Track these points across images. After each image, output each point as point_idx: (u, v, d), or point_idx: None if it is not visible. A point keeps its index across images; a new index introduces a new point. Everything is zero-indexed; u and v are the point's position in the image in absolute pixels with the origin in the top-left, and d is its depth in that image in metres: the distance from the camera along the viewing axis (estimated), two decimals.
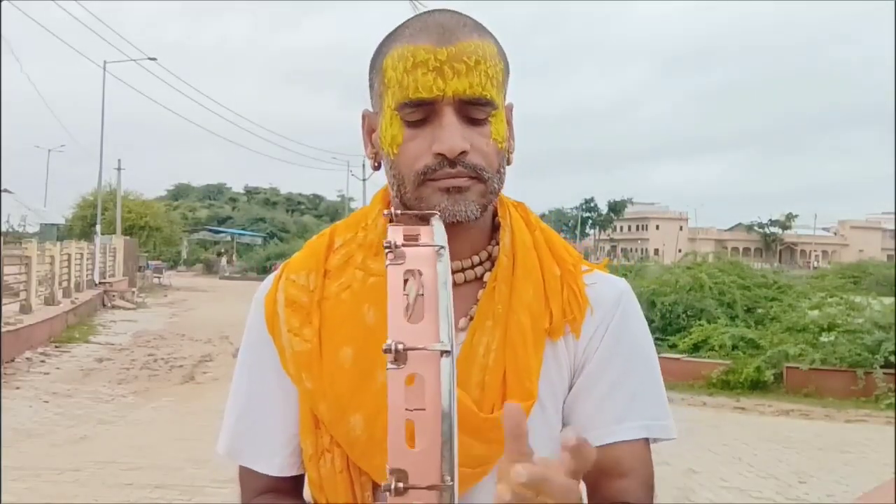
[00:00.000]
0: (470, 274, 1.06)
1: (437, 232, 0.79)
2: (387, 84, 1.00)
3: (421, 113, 0.97)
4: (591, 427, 1.03)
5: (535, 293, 1.05)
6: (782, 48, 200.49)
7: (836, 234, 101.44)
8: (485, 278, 1.06)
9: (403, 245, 0.75)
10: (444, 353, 0.69)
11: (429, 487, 0.69)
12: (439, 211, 0.97)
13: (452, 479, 0.69)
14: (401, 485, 0.69)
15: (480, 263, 1.07)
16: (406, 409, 0.69)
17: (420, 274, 0.74)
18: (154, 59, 31.69)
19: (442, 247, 0.76)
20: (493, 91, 0.99)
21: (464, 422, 0.86)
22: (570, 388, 1.07)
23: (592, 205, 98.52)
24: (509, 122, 1.05)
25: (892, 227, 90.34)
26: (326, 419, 1.01)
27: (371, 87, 1.06)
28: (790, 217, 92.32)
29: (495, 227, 1.09)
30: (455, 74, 0.96)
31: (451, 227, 0.97)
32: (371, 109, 1.07)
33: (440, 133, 0.96)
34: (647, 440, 1.06)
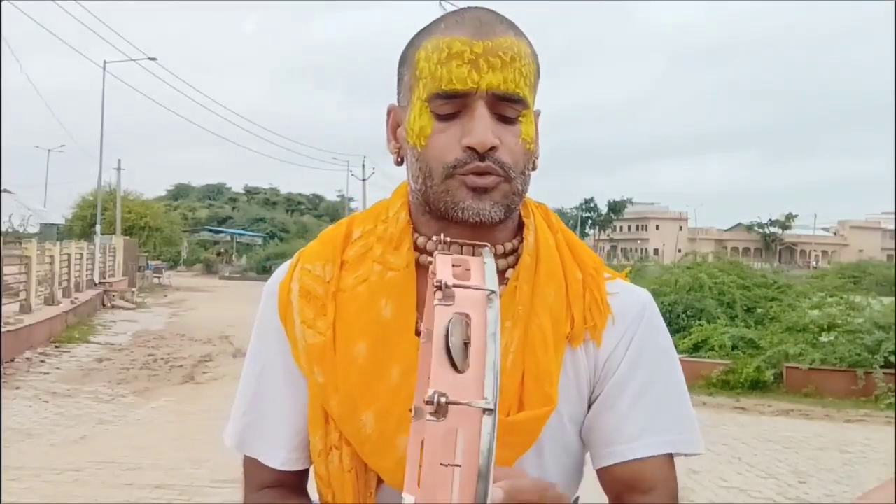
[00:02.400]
0: None
1: (488, 272, 0.76)
2: (418, 76, 0.98)
3: (452, 106, 0.96)
4: (614, 442, 1.02)
5: (557, 296, 1.02)
6: (785, 49, 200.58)
7: (835, 234, 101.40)
8: (507, 274, 1.03)
9: (455, 286, 0.72)
10: (486, 410, 0.67)
11: None
12: (463, 209, 0.96)
13: None
14: None
15: (504, 256, 1.04)
16: (441, 464, 0.67)
17: (468, 319, 0.71)
18: (154, 59, 31.69)
19: (493, 292, 0.72)
20: (526, 90, 0.97)
21: None
22: (590, 398, 1.04)
23: (592, 205, 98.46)
24: (536, 129, 1.03)
25: (892, 227, 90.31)
26: (337, 415, 1.00)
27: (400, 81, 1.04)
28: (790, 217, 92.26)
29: (520, 227, 1.06)
30: (490, 68, 0.94)
31: (475, 227, 0.96)
32: (397, 105, 1.05)
33: (471, 126, 0.95)
34: (671, 455, 1.04)
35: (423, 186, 0.99)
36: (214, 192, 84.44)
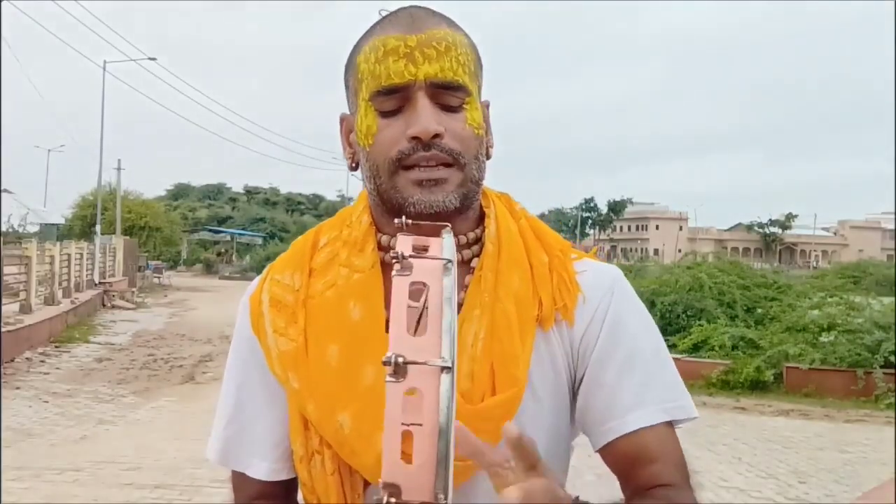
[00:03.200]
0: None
1: (446, 245, 0.78)
2: (360, 78, 1.00)
3: (394, 101, 0.97)
4: (607, 419, 1.01)
5: (522, 280, 1.03)
6: (786, 49, 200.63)
7: (836, 234, 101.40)
8: (472, 263, 1.04)
9: (411, 256, 0.75)
10: (444, 368, 0.68)
11: None
12: (413, 203, 0.97)
13: (446, 498, 0.68)
14: (393, 500, 0.68)
15: (468, 246, 1.05)
16: (403, 424, 0.68)
17: (426, 287, 0.74)
18: (154, 59, 31.75)
19: (449, 261, 0.75)
20: (465, 77, 0.98)
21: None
22: (573, 380, 1.04)
23: (592, 205, 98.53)
24: (486, 120, 1.04)
25: (892, 227, 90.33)
26: (315, 418, 1.00)
27: (347, 88, 1.06)
28: (790, 217, 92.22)
29: (482, 217, 1.07)
30: (426, 59, 0.96)
31: (434, 219, 0.93)
32: (348, 112, 1.07)
33: (414, 117, 0.96)
34: (669, 422, 1.02)
35: (375, 185, 1.01)
36: (214, 192, 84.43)
